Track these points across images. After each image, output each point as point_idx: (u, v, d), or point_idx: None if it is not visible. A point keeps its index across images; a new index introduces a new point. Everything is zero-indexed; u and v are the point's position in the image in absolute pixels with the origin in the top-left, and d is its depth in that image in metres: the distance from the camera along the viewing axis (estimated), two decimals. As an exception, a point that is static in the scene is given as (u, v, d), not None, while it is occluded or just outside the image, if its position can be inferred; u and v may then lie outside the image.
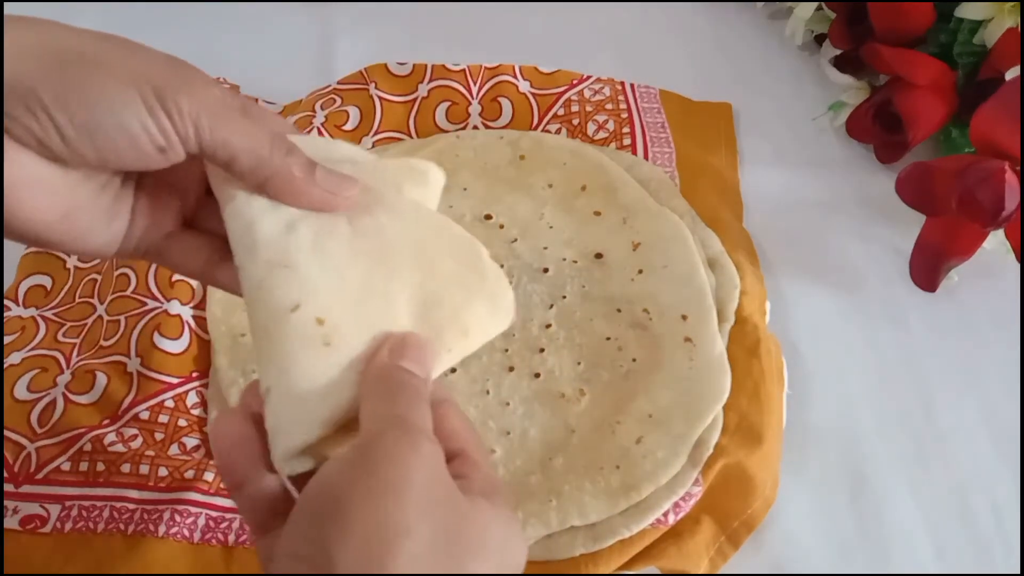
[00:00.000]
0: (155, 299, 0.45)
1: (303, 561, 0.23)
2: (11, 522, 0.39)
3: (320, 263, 0.29)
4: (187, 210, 0.31)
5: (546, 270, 0.46)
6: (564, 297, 0.45)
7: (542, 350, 0.43)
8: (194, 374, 0.44)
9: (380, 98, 0.54)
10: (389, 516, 0.23)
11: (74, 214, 0.28)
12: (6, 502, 0.39)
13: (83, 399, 0.42)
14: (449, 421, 0.29)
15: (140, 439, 0.41)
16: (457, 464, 0.28)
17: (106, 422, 0.42)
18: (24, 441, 0.41)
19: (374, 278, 0.29)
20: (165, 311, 0.45)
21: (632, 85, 0.56)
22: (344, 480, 0.24)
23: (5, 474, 0.40)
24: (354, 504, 0.23)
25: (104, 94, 0.25)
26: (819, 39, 0.61)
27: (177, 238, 0.31)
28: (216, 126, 0.27)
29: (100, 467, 0.40)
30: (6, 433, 0.41)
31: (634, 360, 0.42)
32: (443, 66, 0.55)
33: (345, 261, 0.29)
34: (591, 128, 0.54)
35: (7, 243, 0.48)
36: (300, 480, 0.29)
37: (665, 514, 0.38)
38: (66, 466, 0.40)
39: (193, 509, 0.39)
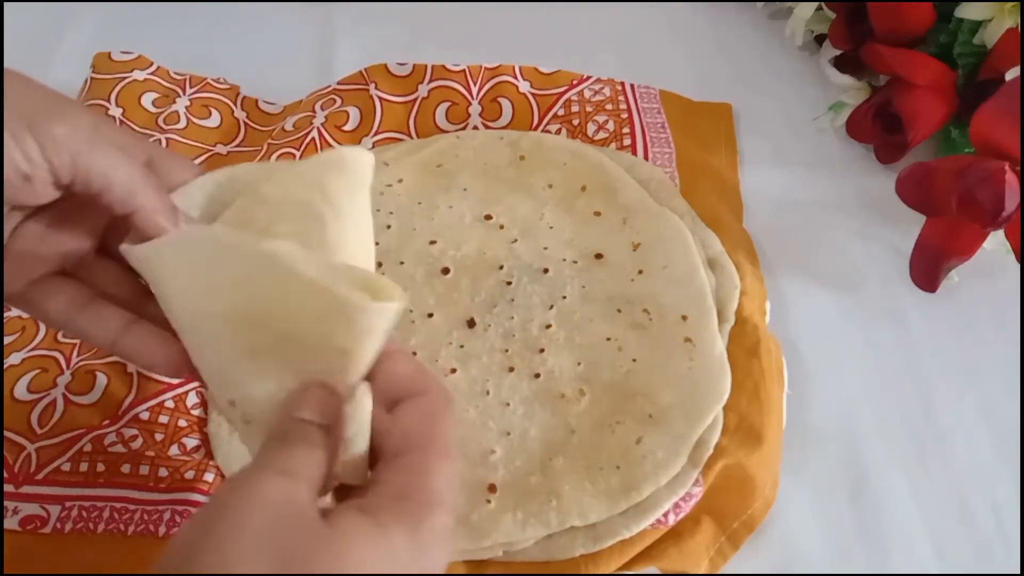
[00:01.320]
0: (155, 299, 0.45)
1: None
2: (11, 522, 0.39)
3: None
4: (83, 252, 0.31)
5: (546, 270, 0.46)
6: (564, 297, 0.45)
7: (542, 350, 0.43)
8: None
9: (380, 98, 0.54)
10: (218, 560, 0.22)
11: None
12: (6, 502, 0.39)
13: (83, 400, 0.42)
14: (408, 418, 0.27)
15: (140, 439, 0.41)
16: (384, 470, 0.26)
17: (106, 423, 0.42)
18: (24, 442, 0.41)
19: (241, 350, 0.28)
20: (165, 311, 0.45)
21: (632, 85, 0.56)
22: (186, 533, 0.24)
23: (5, 475, 0.40)
24: (189, 559, 0.22)
25: None
26: (819, 39, 0.61)
27: (45, 285, 0.31)
28: (93, 154, 0.27)
29: (100, 468, 0.40)
30: (6, 434, 0.41)
31: (634, 360, 0.42)
32: (443, 66, 0.55)
33: (226, 342, 0.28)
34: (591, 128, 0.54)
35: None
36: None
37: (665, 514, 0.38)
38: (66, 467, 0.40)
39: (193, 510, 0.39)
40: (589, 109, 0.54)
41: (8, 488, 0.40)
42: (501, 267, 0.46)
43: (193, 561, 0.22)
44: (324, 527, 0.24)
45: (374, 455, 0.28)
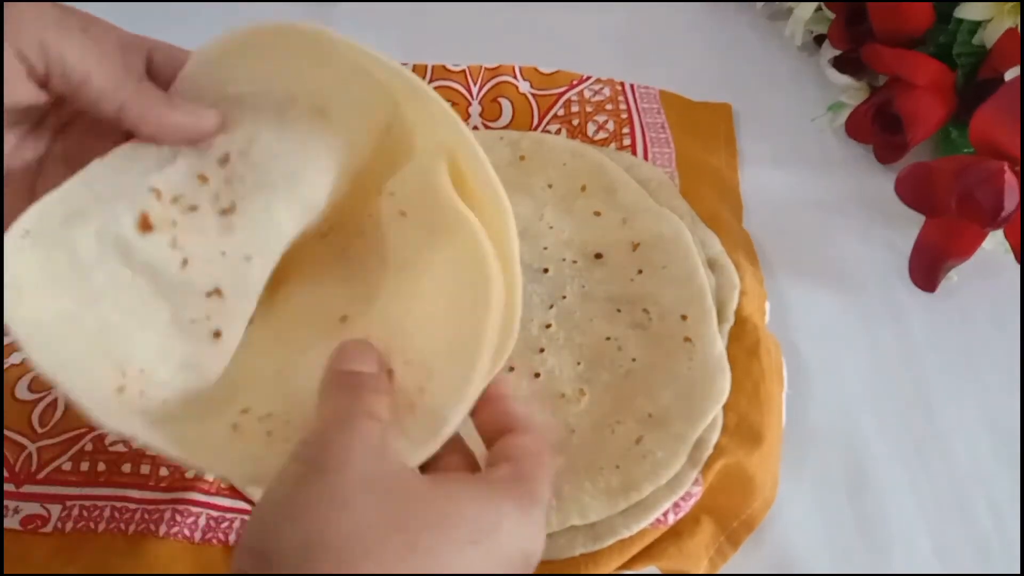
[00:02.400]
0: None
1: (250, 552, 0.23)
2: (12, 522, 0.39)
3: None
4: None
5: (546, 270, 0.46)
6: (564, 297, 0.45)
7: (542, 350, 0.43)
8: (195, 374, 0.44)
9: (380, 99, 0.54)
10: (323, 493, 0.23)
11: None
12: (7, 502, 0.40)
13: (84, 399, 0.42)
14: (518, 439, 0.28)
15: (141, 439, 0.41)
16: (496, 464, 0.27)
17: (107, 422, 0.42)
18: (25, 441, 0.41)
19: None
20: (166, 311, 0.45)
21: (632, 85, 0.56)
22: (285, 472, 0.24)
23: (6, 474, 0.40)
24: (292, 490, 0.23)
25: None
26: (819, 40, 0.61)
27: None
28: (64, 40, 0.25)
29: (101, 467, 0.41)
30: (7, 433, 0.41)
31: (634, 360, 0.42)
32: (443, 66, 0.55)
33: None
34: (591, 128, 0.54)
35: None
36: None
37: (665, 514, 0.38)
38: (67, 466, 0.41)
39: (194, 509, 0.39)
40: (589, 109, 0.55)
41: (9, 487, 0.40)
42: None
43: (297, 476, 0.23)
44: (428, 477, 0.25)
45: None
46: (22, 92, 0.26)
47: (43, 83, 0.26)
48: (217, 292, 0.29)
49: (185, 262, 0.29)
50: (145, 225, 0.28)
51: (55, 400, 0.42)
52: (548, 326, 0.44)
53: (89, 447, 0.41)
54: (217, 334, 0.29)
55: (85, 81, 0.26)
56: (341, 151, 0.31)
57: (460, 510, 0.24)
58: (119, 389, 0.28)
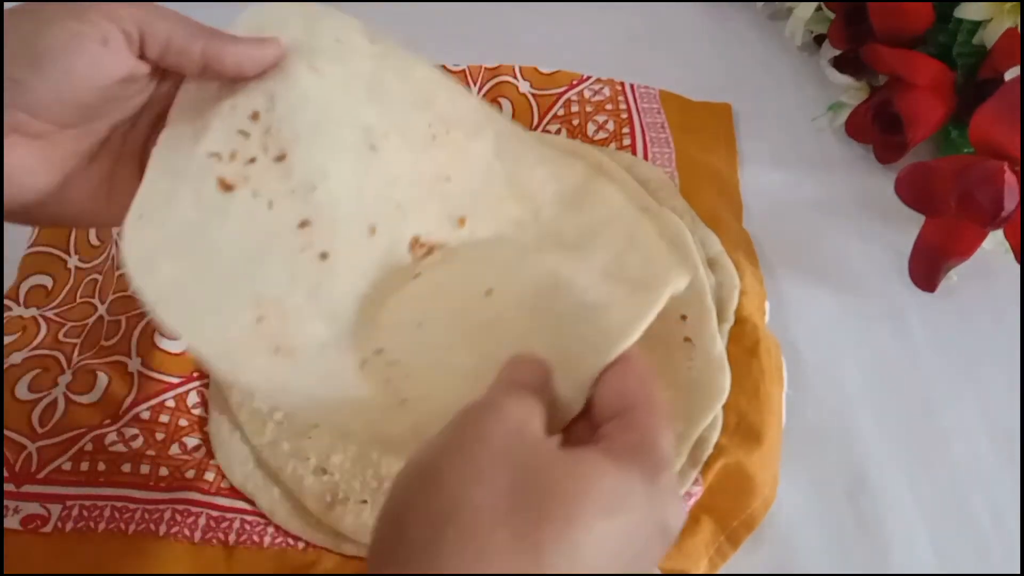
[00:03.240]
0: (156, 299, 0.45)
1: (387, 519, 0.24)
2: (12, 522, 0.39)
3: None
4: None
5: (546, 270, 0.46)
6: (564, 297, 0.45)
7: (542, 350, 0.43)
8: (195, 374, 0.44)
9: (380, 99, 0.54)
10: (462, 466, 0.24)
11: (70, 187, 0.31)
12: (7, 502, 0.40)
13: (84, 399, 0.42)
14: (619, 380, 0.29)
15: (141, 439, 0.41)
16: (611, 426, 0.27)
17: (107, 422, 0.42)
18: (25, 441, 0.41)
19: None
20: (166, 311, 0.45)
21: (632, 85, 0.56)
22: (426, 447, 0.26)
23: (6, 474, 0.40)
24: (432, 459, 0.25)
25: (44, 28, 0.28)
26: (819, 39, 0.61)
27: None
28: (147, 16, 0.30)
29: (101, 467, 0.41)
30: (7, 433, 0.41)
31: (634, 360, 0.42)
32: (443, 67, 0.55)
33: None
34: (591, 128, 0.54)
35: (7, 243, 0.48)
36: None
37: (665, 514, 0.38)
38: (67, 466, 0.41)
39: (194, 509, 0.39)
40: (589, 109, 0.55)
41: (9, 487, 0.40)
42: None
43: (443, 459, 0.24)
44: (563, 452, 0.25)
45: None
46: (129, 64, 0.30)
47: (140, 53, 0.30)
48: (305, 223, 0.32)
49: (271, 204, 0.32)
50: (225, 186, 0.32)
51: (55, 400, 0.42)
52: (548, 326, 0.44)
53: (89, 447, 0.41)
54: (324, 255, 0.32)
55: (170, 38, 0.30)
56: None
57: (592, 484, 0.24)
58: (258, 319, 0.31)
